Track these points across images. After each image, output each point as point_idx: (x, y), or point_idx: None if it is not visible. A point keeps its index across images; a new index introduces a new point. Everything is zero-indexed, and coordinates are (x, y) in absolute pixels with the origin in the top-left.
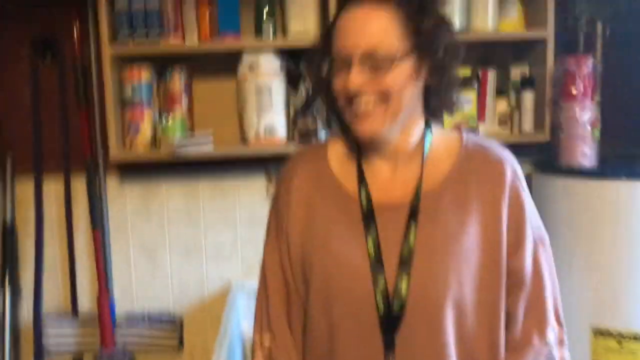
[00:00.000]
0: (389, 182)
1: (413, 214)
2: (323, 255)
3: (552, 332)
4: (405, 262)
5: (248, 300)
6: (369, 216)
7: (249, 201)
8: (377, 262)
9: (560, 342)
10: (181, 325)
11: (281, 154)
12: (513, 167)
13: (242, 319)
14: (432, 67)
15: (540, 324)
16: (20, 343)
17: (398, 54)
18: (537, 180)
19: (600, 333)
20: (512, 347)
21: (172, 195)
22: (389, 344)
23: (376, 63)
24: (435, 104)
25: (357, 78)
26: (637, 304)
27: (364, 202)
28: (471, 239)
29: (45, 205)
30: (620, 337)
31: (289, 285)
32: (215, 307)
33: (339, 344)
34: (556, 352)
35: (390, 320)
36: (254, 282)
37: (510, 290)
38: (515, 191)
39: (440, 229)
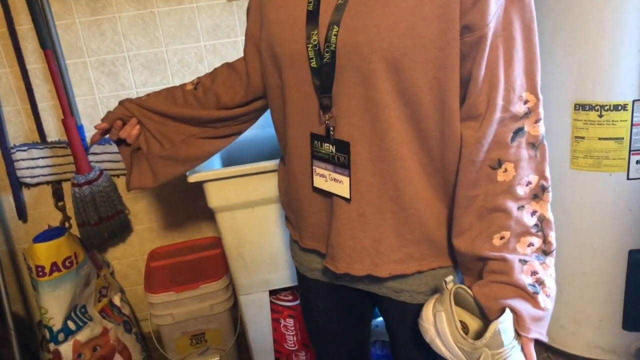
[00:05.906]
0: None
1: None
2: (269, 16)
3: (519, 103)
4: (337, 11)
5: None
6: None
7: (207, 5)
8: (313, 16)
9: (533, 114)
10: None
11: None
12: None
13: None
14: None
15: (507, 92)
16: None
17: None
18: None
19: (581, 106)
20: (471, 116)
21: (121, 4)
22: (325, 103)
23: None
24: None
25: None
26: (620, 76)
27: None
28: None
29: None
30: (600, 109)
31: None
32: None
33: (288, 107)
34: (526, 125)
35: (323, 74)
36: None
37: (468, 52)
38: None
39: None
